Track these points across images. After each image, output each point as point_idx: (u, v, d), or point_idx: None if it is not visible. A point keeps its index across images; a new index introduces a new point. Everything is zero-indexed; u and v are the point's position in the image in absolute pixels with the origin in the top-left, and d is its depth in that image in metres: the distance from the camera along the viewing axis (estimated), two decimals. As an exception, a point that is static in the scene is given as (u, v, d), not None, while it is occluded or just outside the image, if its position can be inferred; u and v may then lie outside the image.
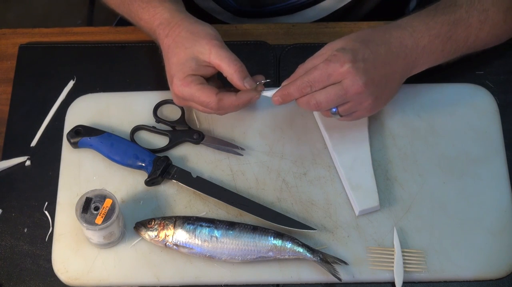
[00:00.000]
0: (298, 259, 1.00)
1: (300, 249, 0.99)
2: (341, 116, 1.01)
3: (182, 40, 1.03)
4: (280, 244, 0.99)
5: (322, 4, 1.27)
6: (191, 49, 1.02)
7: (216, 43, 1.02)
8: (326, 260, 0.99)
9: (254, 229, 1.00)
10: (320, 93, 0.98)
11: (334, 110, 1.00)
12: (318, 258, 0.99)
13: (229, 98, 1.01)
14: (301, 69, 1.01)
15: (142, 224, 1.02)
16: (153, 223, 1.01)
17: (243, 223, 1.01)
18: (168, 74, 1.04)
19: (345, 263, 1.00)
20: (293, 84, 0.99)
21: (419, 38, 1.03)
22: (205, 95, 1.01)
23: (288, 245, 0.99)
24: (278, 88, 1.01)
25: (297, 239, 1.00)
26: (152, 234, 1.01)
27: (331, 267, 0.99)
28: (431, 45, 1.04)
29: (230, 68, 1.01)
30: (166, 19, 1.05)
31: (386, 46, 1.01)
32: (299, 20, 1.28)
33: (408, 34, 1.02)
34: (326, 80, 0.97)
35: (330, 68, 0.97)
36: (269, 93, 1.02)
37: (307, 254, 0.99)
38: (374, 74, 0.98)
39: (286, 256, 1.00)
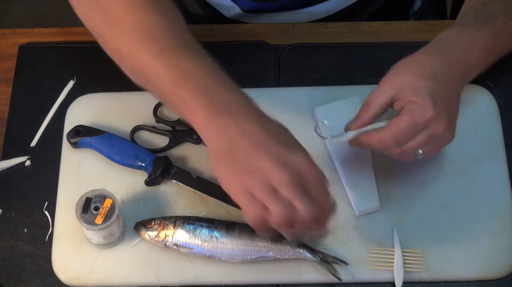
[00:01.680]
0: (298, 259, 1.00)
1: (300, 249, 0.99)
2: (424, 155, 0.98)
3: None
4: (280, 244, 0.99)
5: (327, 3, 1.26)
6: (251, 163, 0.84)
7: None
8: (326, 260, 0.99)
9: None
10: (408, 143, 0.95)
11: (419, 154, 0.97)
12: (318, 258, 0.99)
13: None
14: (369, 111, 0.96)
15: (142, 224, 1.02)
16: (153, 223, 1.01)
17: (243, 223, 1.01)
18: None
19: (345, 263, 1.00)
20: (375, 137, 0.94)
21: (470, 55, 1.01)
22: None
23: (288, 245, 0.99)
24: (352, 132, 0.97)
25: None
26: (152, 234, 1.01)
27: (331, 267, 0.99)
28: (478, 60, 1.03)
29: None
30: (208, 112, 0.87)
31: (449, 73, 0.98)
32: (306, 16, 1.27)
33: (462, 53, 1.00)
34: (413, 131, 0.94)
35: (417, 118, 0.93)
36: (342, 139, 0.99)
37: (307, 254, 0.99)
38: (450, 108, 0.96)
39: (286, 256, 1.00)
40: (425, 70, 0.97)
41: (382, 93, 0.97)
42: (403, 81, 0.96)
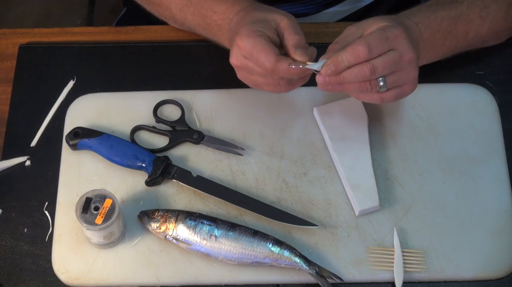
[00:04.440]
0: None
1: (297, 259, 0.99)
2: (386, 90, 0.96)
3: (260, 8, 1.01)
4: (277, 252, 0.99)
5: (338, 6, 1.27)
6: (266, 14, 0.99)
7: (291, 17, 0.99)
8: (322, 274, 0.99)
9: (255, 234, 1.00)
10: (376, 58, 0.94)
11: (382, 82, 0.95)
12: (314, 271, 0.99)
13: (286, 62, 0.94)
14: (337, 44, 0.96)
15: (146, 214, 1.02)
16: (156, 214, 1.02)
17: (244, 226, 1.01)
18: (236, 33, 0.98)
19: (341, 279, 0.99)
20: (349, 50, 0.93)
21: (422, 30, 1.03)
22: (265, 52, 0.94)
23: (286, 253, 0.99)
24: (324, 60, 0.94)
25: (295, 249, 1.00)
26: (154, 225, 1.01)
27: (325, 281, 0.98)
28: (432, 38, 1.04)
29: (293, 36, 0.97)
30: (247, 6, 1.03)
31: (408, 28, 1.00)
32: (320, 19, 1.28)
33: (414, 25, 1.02)
34: (385, 43, 0.93)
35: (387, 32, 0.94)
36: (315, 65, 0.94)
37: (303, 265, 0.99)
38: (416, 52, 0.97)
39: (283, 265, 0.99)
40: (389, 18, 0.98)
41: (349, 35, 0.97)
42: (370, 24, 0.97)
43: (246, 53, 0.96)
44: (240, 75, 1.01)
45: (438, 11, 1.04)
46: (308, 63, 0.94)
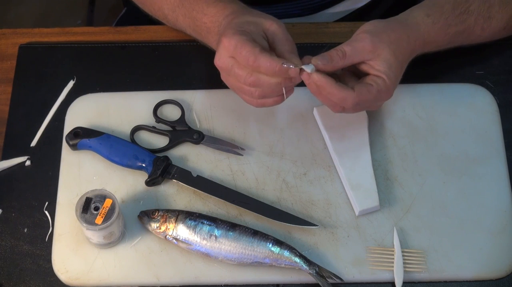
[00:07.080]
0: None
1: (297, 259, 0.99)
2: None
3: (250, 12, 1.02)
4: (277, 252, 0.99)
5: (335, 7, 1.27)
6: (255, 18, 1.00)
7: (280, 23, 1.00)
8: (322, 274, 0.99)
9: (255, 234, 1.00)
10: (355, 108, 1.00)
11: None
12: (314, 271, 0.99)
13: (270, 59, 0.94)
14: (345, 58, 0.97)
15: (146, 214, 1.02)
16: (156, 214, 1.02)
17: (244, 226, 1.01)
18: (222, 34, 0.99)
19: (341, 279, 0.99)
20: (340, 93, 0.96)
21: (429, 48, 1.06)
22: (249, 46, 0.94)
23: (286, 253, 0.99)
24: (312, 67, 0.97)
25: (295, 249, 1.00)
26: (154, 225, 1.01)
27: (325, 281, 0.98)
28: (432, 49, 1.06)
29: (286, 42, 0.99)
30: (237, 10, 1.03)
31: (408, 59, 1.03)
32: (318, 20, 1.28)
33: (422, 44, 1.04)
34: (370, 103, 0.99)
35: (379, 96, 0.98)
36: (308, 68, 0.96)
37: (303, 265, 0.99)
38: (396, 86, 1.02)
39: (283, 265, 0.99)
40: (400, 53, 1.00)
41: (362, 52, 0.98)
42: (383, 53, 0.98)
43: (231, 51, 0.96)
44: (222, 76, 1.02)
45: (451, 27, 1.05)
46: (302, 66, 0.96)
